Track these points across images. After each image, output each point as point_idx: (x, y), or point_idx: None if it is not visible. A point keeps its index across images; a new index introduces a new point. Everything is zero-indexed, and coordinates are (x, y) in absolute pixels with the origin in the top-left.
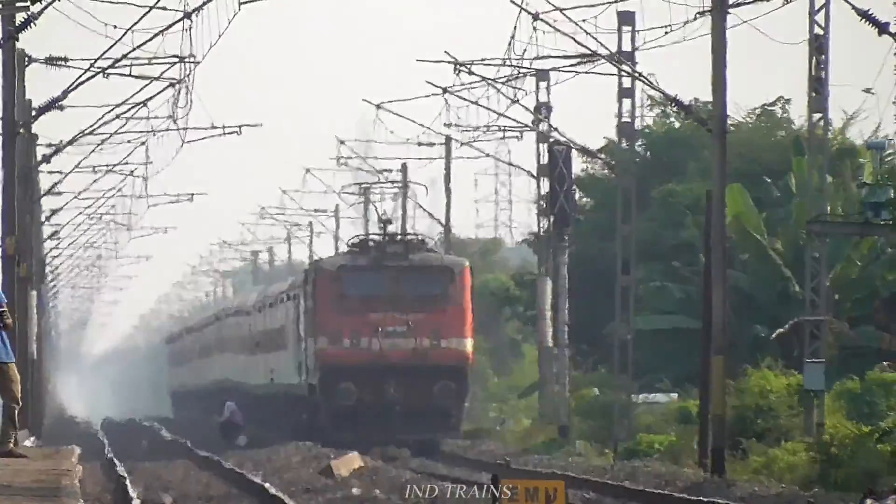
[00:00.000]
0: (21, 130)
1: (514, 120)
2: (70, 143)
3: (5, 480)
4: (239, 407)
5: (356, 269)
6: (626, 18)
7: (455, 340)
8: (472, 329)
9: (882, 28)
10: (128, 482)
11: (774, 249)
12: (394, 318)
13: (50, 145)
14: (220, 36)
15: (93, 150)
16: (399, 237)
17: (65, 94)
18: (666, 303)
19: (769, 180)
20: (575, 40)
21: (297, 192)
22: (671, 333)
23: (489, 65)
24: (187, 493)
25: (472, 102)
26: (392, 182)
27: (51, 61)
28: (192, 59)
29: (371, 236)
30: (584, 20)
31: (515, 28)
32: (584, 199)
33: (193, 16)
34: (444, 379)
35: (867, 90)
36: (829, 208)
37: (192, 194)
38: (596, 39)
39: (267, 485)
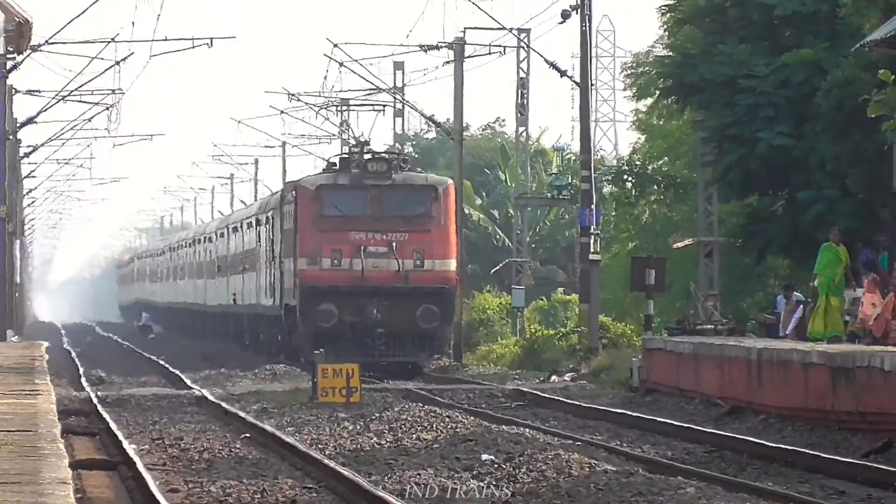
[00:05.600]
0: (10, 137)
1: (325, 131)
2: (41, 146)
3: None
4: (163, 321)
5: (336, 187)
6: (398, 65)
7: (439, 262)
8: (457, 250)
9: (563, 73)
10: (77, 363)
11: (491, 216)
12: (375, 239)
13: (28, 146)
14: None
15: (56, 150)
16: (381, 154)
17: (38, 113)
18: None
19: (489, 171)
20: (366, 80)
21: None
22: None
23: (311, 95)
24: (117, 369)
25: (299, 119)
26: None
27: (29, 92)
28: (119, 91)
29: (352, 153)
30: (371, 64)
31: (327, 71)
32: None
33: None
34: (427, 302)
35: None
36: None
37: (120, 178)
38: (379, 79)
39: (161, 361)
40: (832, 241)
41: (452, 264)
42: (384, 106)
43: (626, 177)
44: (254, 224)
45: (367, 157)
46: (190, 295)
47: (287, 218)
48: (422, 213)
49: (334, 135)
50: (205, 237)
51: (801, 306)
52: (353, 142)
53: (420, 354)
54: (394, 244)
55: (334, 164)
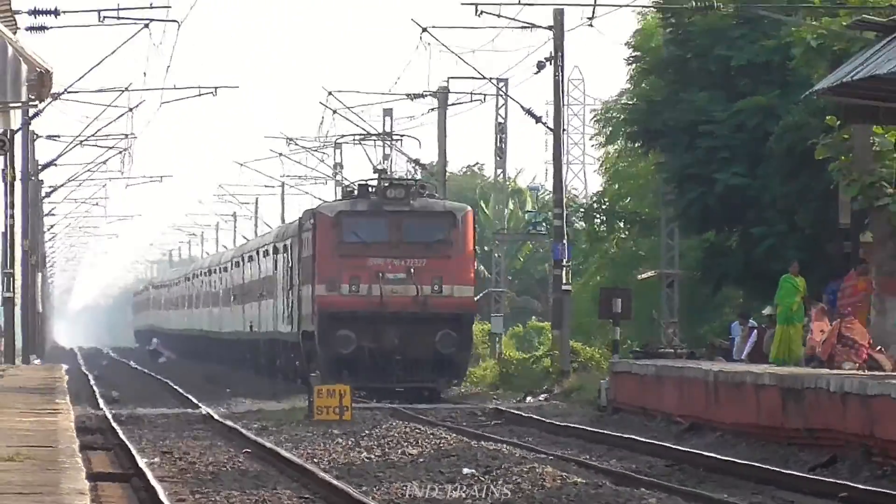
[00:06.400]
0: (32, 178)
1: (321, 172)
2: (60, 186)
3: (21, 384)
4: (174, 346)
5: (355, 214)
6: (387, 112)
7: (457, 288)
8: (475, 276)
9: (538, 119)
10: (93, 385)
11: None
12: (394, 265)
13: (49, 186)
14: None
15: (74, 190)
16: (399, 181)
17: (58, 156)
18: None
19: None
20: (357, 126)
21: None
22: None
23: (307, 139)
24: (130, 390)
25: (297, 162)
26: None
27: (50, 137)
28: (132, 136)
29: (370, 181)
30: (362, 110)
31: (322, 118)
32: None
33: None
34: (445, 328)
35: None
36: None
37: (133, 215)
38: (369, 124)
39: (169, 381)
40: (791, 273)
41: (471, 290)
42: (400, 137)
43: (595, 214)
44: (271, 252)
45: (385, 183)
46: (205, 322)
47: (305, 245)
48: (441, 239)
49: (329, 176)
50: (220, 267)
51: (755, 332)
52: (346, 182)
53: (439, 380)
54: (412, 270)
55: (353, 191)
